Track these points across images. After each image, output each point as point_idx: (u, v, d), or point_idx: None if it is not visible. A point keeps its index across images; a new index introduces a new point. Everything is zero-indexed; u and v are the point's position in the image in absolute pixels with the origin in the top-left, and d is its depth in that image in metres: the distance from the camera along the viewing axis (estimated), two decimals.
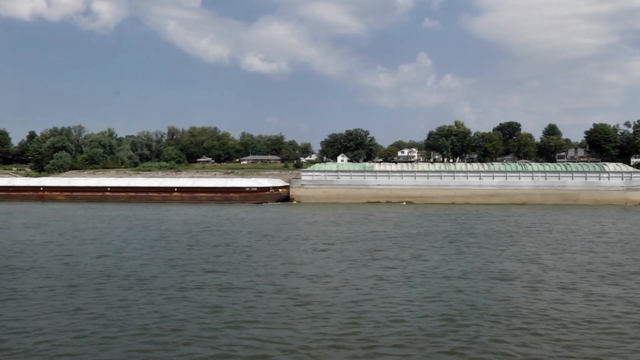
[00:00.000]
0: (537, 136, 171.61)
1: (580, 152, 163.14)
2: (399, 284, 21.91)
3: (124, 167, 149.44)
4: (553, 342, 14.91)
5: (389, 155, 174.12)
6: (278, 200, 77.73)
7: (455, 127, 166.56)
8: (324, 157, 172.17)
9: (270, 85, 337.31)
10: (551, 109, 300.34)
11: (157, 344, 14.68)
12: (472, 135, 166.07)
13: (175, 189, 80.00)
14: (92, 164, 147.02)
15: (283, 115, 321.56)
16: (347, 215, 54.35)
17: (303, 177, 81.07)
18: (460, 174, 78.54)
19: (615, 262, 27.22)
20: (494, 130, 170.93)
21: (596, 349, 14.44)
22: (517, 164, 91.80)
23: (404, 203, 74.40)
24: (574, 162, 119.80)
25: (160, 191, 79.87)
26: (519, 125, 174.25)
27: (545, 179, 76.94)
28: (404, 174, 79.44)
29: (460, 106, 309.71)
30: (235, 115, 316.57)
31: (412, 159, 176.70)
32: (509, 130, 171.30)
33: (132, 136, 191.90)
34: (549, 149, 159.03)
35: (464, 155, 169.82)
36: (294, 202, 77.56)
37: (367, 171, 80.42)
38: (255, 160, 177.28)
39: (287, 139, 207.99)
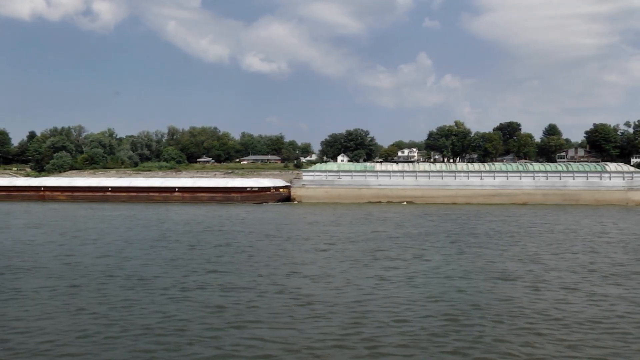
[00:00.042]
0: (537, 136, 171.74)
1: (581, 152, 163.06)
2: (401, 284, 21.90)
3: (124, 167, 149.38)
4: (557, 342, 14.90)
5: (389, 155, 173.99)
6: (279, 201, 77.72)
7: (456, 127, 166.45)
8: (324, 157, 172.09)
9: (270, 85, 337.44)
10: (551, 109, 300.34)
11: (160, 344, 14.67)
12: (472, 135, 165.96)
13: (177, 189, 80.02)
14: (92, 164, 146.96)
15: (283, 115, 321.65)
16: (348, 215, 54.34)
17: (304, 177, 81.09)
18: (462, 174, 78.56)
19: (617, 262, 27.22)
20: (494, 130, 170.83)
21: (600, 349, 14.43)
22: (518, 164, 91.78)
23: (405, 203, 74.39)
24: (574, 162, 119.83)
25: (161, 191, 79.90)
26: (519, 125, 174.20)
27: (547, 179, 76.96)
28: (405, 174, 79.47)
29: (460, 106, 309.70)
30: (235, 115, 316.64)
31: (412, 159, 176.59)
32: (509, 130, 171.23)
33: (132, 136, 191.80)
34: (549, 149, 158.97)
35: (464, 155, 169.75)
36: (295, 202, 77.57)
37: (369, 171, 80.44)
38: (256, 160, 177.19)
39: (287, 139, 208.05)
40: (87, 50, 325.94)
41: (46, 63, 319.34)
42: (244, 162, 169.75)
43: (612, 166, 79.45)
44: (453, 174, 78.75)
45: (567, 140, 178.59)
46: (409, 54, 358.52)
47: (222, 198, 77.65)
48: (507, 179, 77.26)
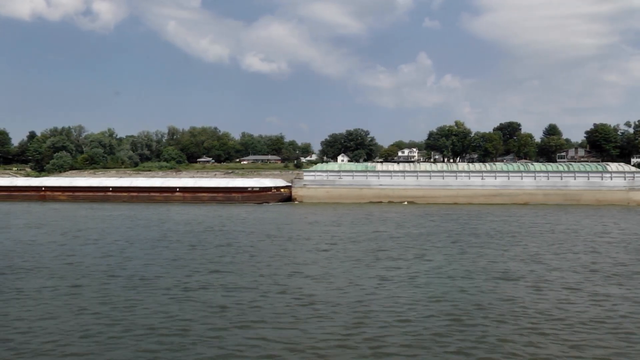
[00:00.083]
0: (537, 136, 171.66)
1: (581, 152, 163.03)
2: (403, 284, 21.88)
3: (124, 167, 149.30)
4: (560, 342, 14.88)
5: (389, 155, 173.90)
6: (280, 201, 77.70)
7: (456, 127, 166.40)
8: (324, 157, 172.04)
9: (270, 85, 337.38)
10: (551, 109, 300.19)
11: (164, 344, 14.65)
12: (472, 135, 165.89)
13: (178, 189, 80.00)
14: (92, 164, 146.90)
15: (283, 115, 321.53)
16: (349, 215, 54.32)
17: (305, 177, 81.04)
18: (463, 174, 78.53)
19: (618, 262, 27.20)
20: (494, 130, 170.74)
21: (604, 349, 14.41)
22: (519, 164, 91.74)
23: (405, 203, 74.36)
24: (575, 162, 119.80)
25: (162, 191, 79.89)
26: (519, 125, 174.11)
27: (548, 179, 76.92)
28: (406, 174, 79.43)
29: (460, 106, 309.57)
30: (235, 115, 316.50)
31: (412, 159, 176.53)
32: (509, 130, 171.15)
33: (132, 136, 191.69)
34: (550, 149, 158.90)
35: (464, 155, 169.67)
36: (296, 202, 77.54)
37: (370, 171, 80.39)
38: (256, 160, 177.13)
39: (287, 139, 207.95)
40: (87, 50, 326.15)
41: (46, 63, 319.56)
42: (244, 162, 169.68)
43: (613, 166, 79.41)
44: (454, 174, 78.71)
45: (567, 140, 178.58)
46: (409, 54, 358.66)
47: (223, 198, 77.64)
48: (509, 179, 77.23)
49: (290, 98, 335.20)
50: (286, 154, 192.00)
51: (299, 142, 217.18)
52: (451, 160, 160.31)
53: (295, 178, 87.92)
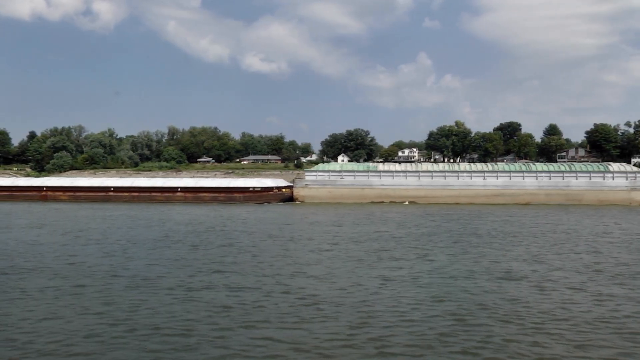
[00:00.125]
0: (538, 136, 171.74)
1: (581, 152, 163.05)
2: (406, 284, 21.85)
3: (125, 167, 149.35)
4: (565, 342, 14.85)
5: (389, 156, 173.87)
6: (281, 201, 77.68)
7: (456, 127, 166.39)
8: (324, 157, 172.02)
9: (270, 85, 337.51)
10: (551, 109, 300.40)
11: (168, 344, 14.62)
12: (472, 135, 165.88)
13: (179, 189, 80.00)
14: (92, 164, 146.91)
15: (283, 115, 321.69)
16: (350, 215, 54.30)
17: (307, 177, 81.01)
18: (464, 174, 78.50)
19: (621, 262, 27.17)
20: (494, 130, 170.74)
21: (609, 349, 14.38)
22: (520, 164, 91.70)
23: (406, 203, 74.33)
24: (575, 162, 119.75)
25: (163, 191, 79.90)
26: (519, 125, 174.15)
27: (549, 179, 76.89)
28: (408, 174, 79.40)
29: (460, 106, 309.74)
30: (235, 115, 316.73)
31: (412, 159, 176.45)
32: (509, 130, 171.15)
33: (132, 136, 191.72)
34: (550, 149, 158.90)
35: (464, 155, 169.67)
36: (298, 202, 77.51)
37: (371, 171, 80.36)
38: (256, 160, 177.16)
39: (287, 139, 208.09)
40: (87, 50, 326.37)
41: (46, 63, 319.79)
42: (244, 162, 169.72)
43: (615, 166, 79.38)
44: (456, 174, 78.68)
45: (568, 140, 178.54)
46: (409, 54, 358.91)
47: (225, 198, 77.62)
48: (510, 179, 77.20)
49: (290, 98, 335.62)
50: (286, 154, 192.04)
51: (299, 142, 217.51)
52: (452, 161, 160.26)
53: (296, 178, 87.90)
